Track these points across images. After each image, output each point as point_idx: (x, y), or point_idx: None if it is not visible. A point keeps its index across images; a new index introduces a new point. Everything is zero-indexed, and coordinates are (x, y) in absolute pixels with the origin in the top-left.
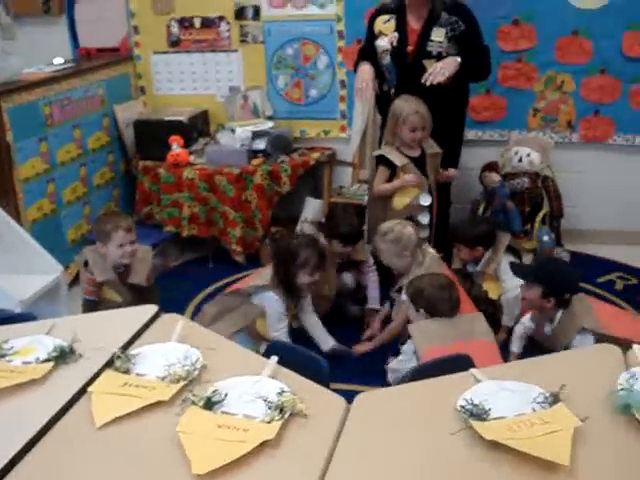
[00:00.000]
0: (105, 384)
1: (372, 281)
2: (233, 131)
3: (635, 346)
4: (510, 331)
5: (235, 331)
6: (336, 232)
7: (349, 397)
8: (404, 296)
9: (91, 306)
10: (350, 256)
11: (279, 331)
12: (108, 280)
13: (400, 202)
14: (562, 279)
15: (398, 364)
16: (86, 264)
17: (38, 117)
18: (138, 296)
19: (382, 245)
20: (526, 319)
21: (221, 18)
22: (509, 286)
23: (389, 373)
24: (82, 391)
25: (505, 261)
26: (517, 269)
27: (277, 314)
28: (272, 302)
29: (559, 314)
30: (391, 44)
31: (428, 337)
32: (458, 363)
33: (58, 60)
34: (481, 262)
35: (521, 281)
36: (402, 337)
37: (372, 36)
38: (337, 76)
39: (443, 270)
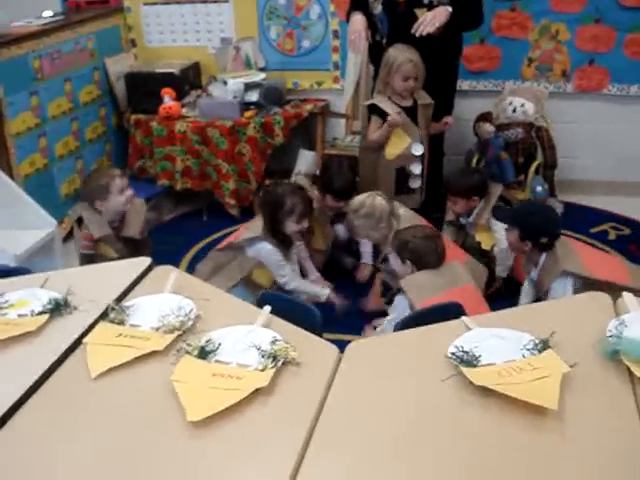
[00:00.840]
0: (100, 335)
1: (366, 253)
2: (225, 83)
3: (625, 294)
4: (505, 282)
5: (232, 285)
6: (330, 187)
7: (341, 347)
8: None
9: (88, 260)
10: (343, 208)
11: (286, 277)
12: (105, 236)
13: (392, 152)
14: (536, 222)
15: (389, 324)
16: (79, 221)
17: (28, 71)
18: (132, 249)
19: (356, 222)
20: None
21: None
22: (501, 237)
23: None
24: (77, 343)
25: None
26: (497, 213)
27: (275, 262)
28: (267, 252)
29: (543, 258)
30: None
31: (421, 290)
32: (449, 310)
33: (47, 13)
34: (473, 213)
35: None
36: (388, 295)
37: None
38: (330, 26)
39: (422, 222)
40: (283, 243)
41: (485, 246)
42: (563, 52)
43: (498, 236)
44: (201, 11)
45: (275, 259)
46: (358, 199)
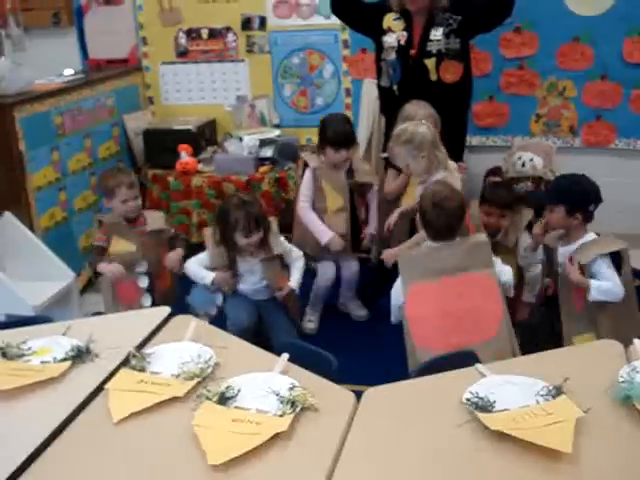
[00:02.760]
0: (121, 382)
1: (372, 209)
2: (241, 139)
3: (636, 341)
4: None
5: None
6: (326, 138)
7: (357, 396)
8: None
9: (99, 251)
10: (347, 161)
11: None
12: (116, 224)
13: (408, 202)
14: (583, 191)
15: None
16: (100, 225)
17: (50, 127)
18: (155, 241)
19: (396, 149)
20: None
21: (228, 29)
22: (532, 261)
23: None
24: (99, 389)
25: (526, 237)
26: (534, 196)
27: (198, 259)
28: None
29: (588, 235)
30: (398, 42)
31: (415, 272)
32: (464, 358)
33: (68, 71)
34: (500, 233)
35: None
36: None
37: (380, 31)
38: (342, 85)
39: (454, 183)
40: (233, 251)
41: None
42: (570, 108)
43: (528, 261)
44: (217, 70)
45: (200, 257)
46: (401, 126)
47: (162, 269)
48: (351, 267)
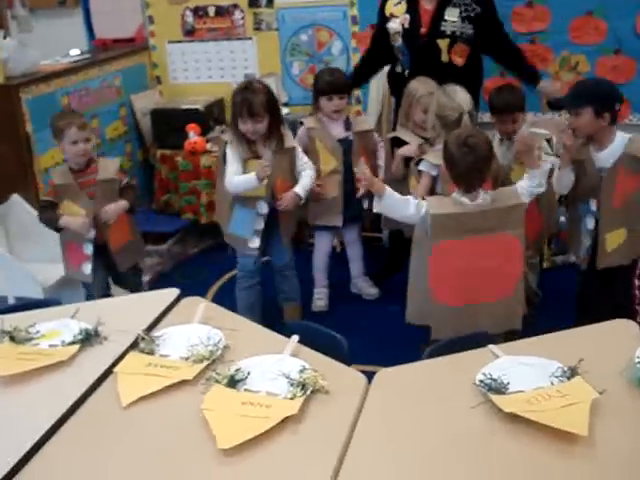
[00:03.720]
0: (130, 365)
1: (380, 158)
2: None
3: None
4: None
5: (230, 207)
6: (318, 89)
7: (369, 378)
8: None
9: (46, 207)
10: (341, 108)
11: (229, 175)
12: (66, 185)
13: (415, 184)
14: (608, 90)
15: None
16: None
17: (56, 108)
18: (105, 192)
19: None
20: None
21: (235, 6)
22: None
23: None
24: (108, 372)
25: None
26: (557, 102)
27: (230, 157)
28: (228, 148)
29: (618, 137)
30: (402, 26)
31: (445, 230)
32: (477, 339)
33: (74, 51)
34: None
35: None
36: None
37: (384, 19)
38: (351, 61)
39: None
40: (243, 139)
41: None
42: None
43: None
44: (225, 48)
45: (230, 152)
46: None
47: (115, 223)
48: (352, 234)
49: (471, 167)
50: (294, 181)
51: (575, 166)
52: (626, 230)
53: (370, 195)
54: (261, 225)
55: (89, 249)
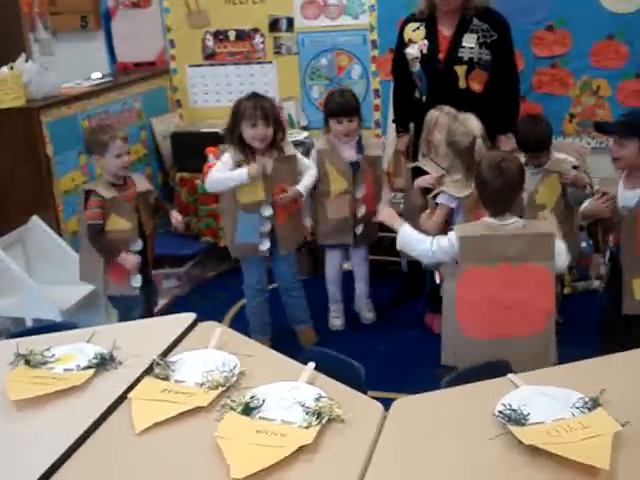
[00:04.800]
0: (145, 390)
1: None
2: None
3: None
4: None
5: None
6: (328, 111)
7: (386, 405)
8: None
9: (97, 230)
10: (352, 131)
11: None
12: (113, 199)
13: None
14: None
15: (425, 238)
16: (86, 196)
17: (77, 130)
18: (144, 203)
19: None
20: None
21: (255, 30)
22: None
23: (406, 238)
24: (122, 397)
25: None
26: (603, 126)
27: (223, 159)
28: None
29: None
30: (421, 52)
31: (475, 253)
32: (496, 368)
33: (96, 75)
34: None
35: None
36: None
37: (402, 44)
38: (371, 85)
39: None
40: (243, 147)
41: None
42: (604, 107)
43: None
44: (245, 72)
45: (225, 156)
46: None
47: (150, 235)
48: (359, 255)
49: (501, 190)
50: (294, 184)
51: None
52: None
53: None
54: (268, 227)
55: (135, 271)
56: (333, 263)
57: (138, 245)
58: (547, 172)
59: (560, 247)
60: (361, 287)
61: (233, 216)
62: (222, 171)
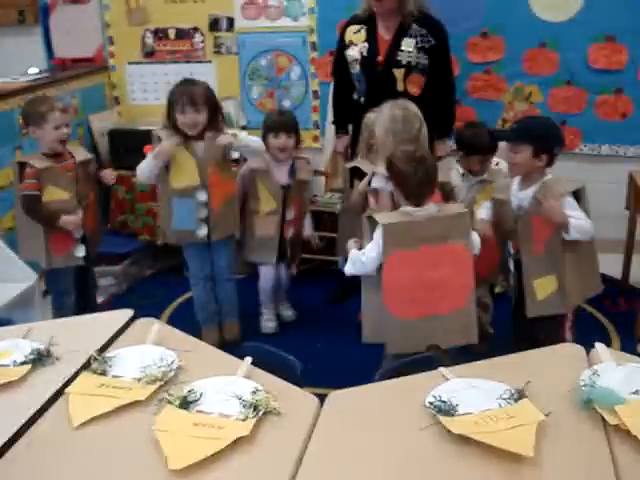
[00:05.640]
0: (82, 385)
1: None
2: None
3: (597, 344)
4: None
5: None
6: (266, 126)
7: (321, 399)
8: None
9: (33, 200)
10: (290, 147)
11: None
12: (48, 169)
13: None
14: (549, 132)
15: (359, 254)
16: (20, 169)
17: (13, 126)
18: (83, 174)
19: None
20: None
21: (195, 29)
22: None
23: (348, 262)
24: (60, 393)
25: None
26: (501, 134)
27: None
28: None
29: (548, 176)
30: (361, 54)
31: (397, 238)
32: (428, 361)
33: (33, 70)
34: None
35: None
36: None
37: (343, 46)
38: (310, 87)
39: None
40: (179, 134)
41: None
42: (536, 113)
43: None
44: (184, 70)
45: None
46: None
47: (89, 207)
48: (284, 272)
49: (422, 181)
50: (227, 170)
51: (495, 204)
52: (556, 278)
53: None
54: (204, 213)
55: (79, 232)
56: (267, 277)
57: (77, 215)
58: (485, 182)
59: (475, 238)
60: (281, 297)
61: (169, 203)
62: (147, 163)
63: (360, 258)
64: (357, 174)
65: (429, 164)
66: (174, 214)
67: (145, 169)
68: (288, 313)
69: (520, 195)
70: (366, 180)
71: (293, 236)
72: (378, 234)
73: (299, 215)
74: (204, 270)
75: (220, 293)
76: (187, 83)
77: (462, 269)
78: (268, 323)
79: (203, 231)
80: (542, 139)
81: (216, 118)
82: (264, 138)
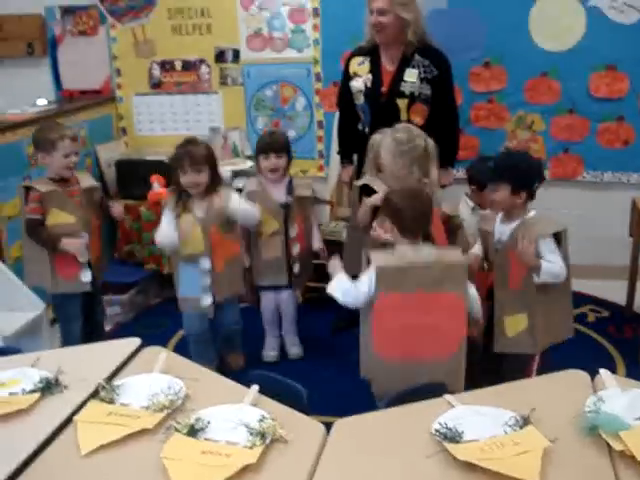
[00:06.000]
0: (90, 413)
1: (315, 225)
2: None
3: (602, 371)
4: None
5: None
6: (257, 148)
7: (327, 427)
8: None
9: (35, 223)
10: (280, 168)
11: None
12: (52, 192)
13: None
14: (527, 169)
15: (350, 284)
16: (27, 191)
17: (21, 157)
18: (88, 201)
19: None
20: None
21: (202, 61)
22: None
23: (335, 284)
24: (68, 421)
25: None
26: (478, 174)
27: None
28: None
29: (531, 213)
30: (365, 85)
31: (391, 280)
32: (433, 389)
33: (41, 101)
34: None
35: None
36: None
37: (348, 77)
38: (315, 117)
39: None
40: (182, 195)
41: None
42: (539, 141)
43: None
44: (191, 101)
45: (165, 211)
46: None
47: (93, 234)
48: (287, 293)
49: (417, 217)
50: (229, 230)
51: (480, 234)
52: (527, 317)
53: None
54: (207, 282)
55: (85, 257)
56: (268, 306)
57: (84, 238)
58: None
59: (473, 292)
60: (287, 326)
61: (177, 268)
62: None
63: (351, 289)
64: (365, 192)
65: (424, 199)
66: (180, 280)
67: (166, 241)
68: (294, 350)
69: (501, 229)
70: (377, 196)
71: (300, 253)
72: (372, 273)
73: (303, 232)
74: (201, 328)
75: (224, 339)
76: (188, 144)
77: (454, 317)
78: (270, 352)
79: (207, 301)
80: (520, 177)
81: (216, 180)
82: (256, 160)
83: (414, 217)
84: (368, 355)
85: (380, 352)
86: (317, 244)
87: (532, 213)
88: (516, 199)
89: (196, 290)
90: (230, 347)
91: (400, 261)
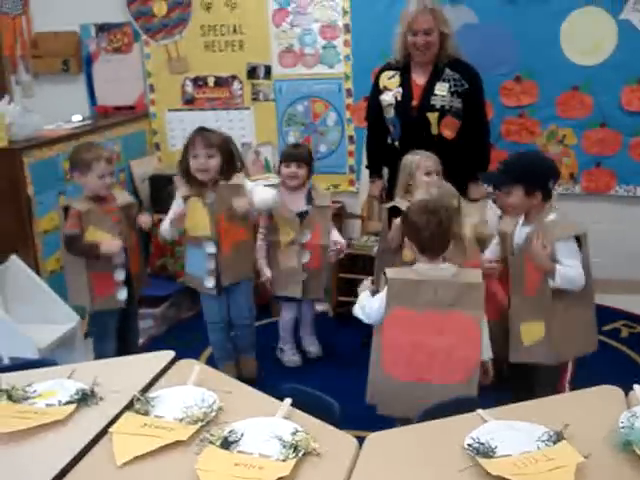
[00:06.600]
0: (125, 425)
1: (334, 236)
2: None
3: (636, 386)
4: None
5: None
6: (282, 155)
7: (359, 441)
8: None
9: (73, 238)
10: (300, 176)
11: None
12: (90, 211)
13: (410, 254)
14: (540, 169)
15: (367, 300)
16: (65, 213)
17: (57, 172)
18: (125, 217)
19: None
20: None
21: (234, 77)
22: None
23: (358, 303)
24: (103, 432)
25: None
26: (488, 178)
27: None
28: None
29: (551, 215)
30: (395, 99)
31: (403, 296)
32: (466, 404)
33: (76, 117)
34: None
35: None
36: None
37: (378, 91)
38: (346, 132)
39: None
40: (192, 182)
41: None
42: (570, 155)
43: None
44: (223, 117)
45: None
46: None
47: (132, 249)
48: (306, 303)
49: (433, 235)
50: (239, 219)
51: (500, 237)
52: (543, 325)
53: None
54: (212, 265)
55: (121, 275)
56: (289, 316)
57: (120, 258)
58: None
59: (485, 339)
60: (305, 328)
61: (186, 246)
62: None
63: (365, 305)
64: (395, 214)
65: (443, 216)
66: (188, 258)
67: (164, 232)
68: (312, 349)
69: (520, 233)
70: None
71: (309, 264)
72: (385, 287)
73: (317, 243)
74: (219, 315)
75: (238, 332)
76: (203, 129)
77: (468, 341)
78: (292, 357)
79: (209, 283)
80: (532, 177)
81: (230, 169)
82: (279, 170)
83: (432, 234)
84: (376, 372)
85: (388, 369)
86: (336, 237)
87: (552, 216)
88: (532, 200)
89: (200, 271)
90: (242, 347)
91: (413, 275)
